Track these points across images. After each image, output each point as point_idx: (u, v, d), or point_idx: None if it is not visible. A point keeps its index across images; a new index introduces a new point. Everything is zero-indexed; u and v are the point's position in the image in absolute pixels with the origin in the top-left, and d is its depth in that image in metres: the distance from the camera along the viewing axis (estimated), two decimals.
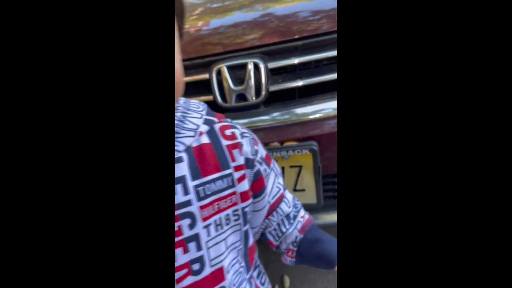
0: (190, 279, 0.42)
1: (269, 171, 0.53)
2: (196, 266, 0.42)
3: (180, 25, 0.46)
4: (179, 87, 0.41)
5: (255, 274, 0.54)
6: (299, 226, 0.56)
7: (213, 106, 0.86)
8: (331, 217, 0.90)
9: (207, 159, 0.43)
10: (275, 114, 0.85)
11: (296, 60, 0.83)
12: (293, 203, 0.58)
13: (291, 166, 0.84)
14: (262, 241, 0.59)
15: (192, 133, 0.43)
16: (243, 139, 0.48)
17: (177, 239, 0.41)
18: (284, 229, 0.56)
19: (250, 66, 0.81)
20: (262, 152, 0.53)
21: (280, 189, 0.56)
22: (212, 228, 0.43)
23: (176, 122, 0.43)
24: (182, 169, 0.41)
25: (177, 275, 0.41)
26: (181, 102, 0.47)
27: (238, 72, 0.83)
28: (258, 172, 0.50)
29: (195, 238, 0.42)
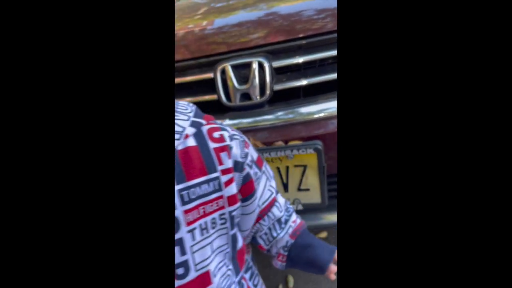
0: (175, 283, 0.42)
1: (260, 174, 0.52)
2: (180, 271, 0.42)
3: None
4: None
5: (247, 276, 0.53)
6: (290, 231, 0.56)
7: (217, 105, 0.86)
8: (335, 217, 0.90)
9: (192, 163, 0.42)
10: (279, 113, 0.84)
11: (300, 59, 0.82)
12: (285, 207, 0.57)
13: (296, 166, 0.83)
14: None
15: (177, 136, 0.42)
16: (233, 141, 0.47)
17: None
18: (275, 234, 0.55)
19: (255, 65, 0.81)
20: (253, 154, 0.52)
21: (272, 193, 0.55)
22: (197, 232, 0.43)
23: None
24: None
25: None
26: None
27: (243, 71, 0.83)
28: (248, 175, 0.49)
29: (179, 242, 0.41)
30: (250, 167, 0.49)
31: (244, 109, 0.85)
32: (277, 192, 0.57)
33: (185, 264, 0.42)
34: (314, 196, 0.86)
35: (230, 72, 0.82)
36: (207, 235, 0.44)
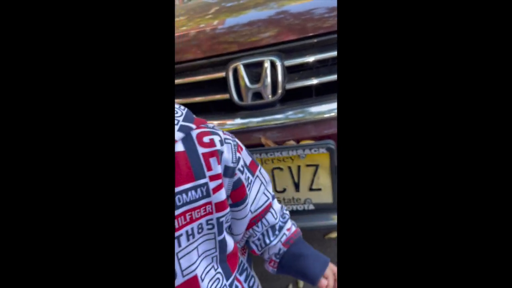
0: None
1: (253, 179, 0.51)
2: None
3: None
4: None
5: (242, 277, 0.53)
6: (283, 239, 0.55)
7: (229, 104, 0.86)
8: None
9: (179, 168, 0.41)
10: (290, 112, 0.84)
11: (312, 58, 0.82)
12: (280, 213, 0.56)
13: (307, 165, 0.83)
14: None
15: None
16: (224, 146, 0.45)
17: None
18: (268, 241, 0.54)
19: (267, 64, 0.81)
20: (246, 159, 0.50)
21: (268, 199, 0.54)
22: (183, 238, 0.42)
23: None
24: None
25: None
26: None
27: (255, 70, 0.83)
28: (239, 180, 0.48)
29: None
30: (242, 172, 0.48)
31: (256, 108, 0.85)
32: (273, 198, 0.56)
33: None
34: (325, 196, 0.85)
35: (242, 71, 0.82)
36: (193, 241, 0.43)
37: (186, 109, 0.46)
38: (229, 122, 0.87)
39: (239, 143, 0.50)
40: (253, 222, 0.53)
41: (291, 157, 0.82)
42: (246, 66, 0.82)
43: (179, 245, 0.42)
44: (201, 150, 0.43)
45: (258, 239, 0.55)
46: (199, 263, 0.45)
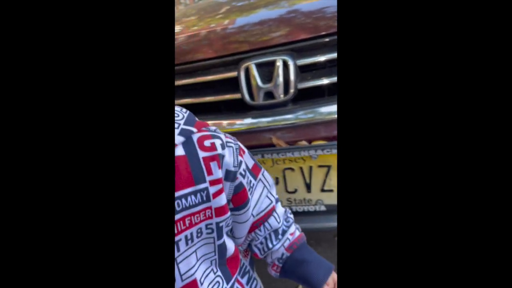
0: None
1: (255, 182, 0.50)
2: None
3: None
4: None
5: (244, 280, 0.52)
6: (286, 244, 0.54)
7: (240, 104, 0.85)
8: None
9: (179, 173, 0.40)
10: (300, 113, 0.83)
11: (324, 57, 0.81)
12: (284, 217, 0.55)
13: (319, 166, 0.82)
14: None
15: None
16: (225, 149, 0.45)
17: None
18: (270, 245, 0.53)
19: (279, 63, 0.80)
20: (249, 162, 0.50)
21: (271, 202, 0.53)
22: (182, 243, 0.41)
23: None
24: None
25: None
26: None
27: (266, 70, 0.82)
28: (240, 184, 0.47)
29: None
30: (244, 176, 0.47)
31: (267, 108, 0.84)
32: (277, 201, 0.55)
33: None
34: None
35: (254, 71, 0.81)
36: (192, 245, 0.43)
37: (187, 111, 0.46)
38: (238, 122, 0.86)
39: (242, 146, 0.49)
40: (255, 226, 0.52)
41: (302, 158, 0.81)
42: (258, 66, 0.82)
43: (178, 250, 0.41)
44: (201, 154, 0.43)
45: (261, 243, 0.54)
46: (198, 267, 0.44)
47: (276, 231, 0.54)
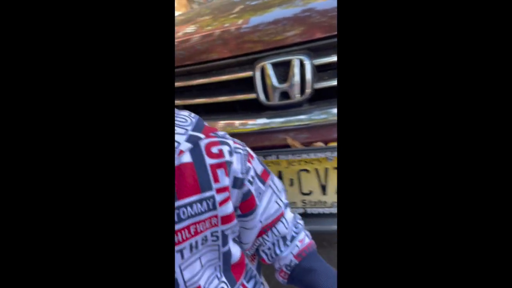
0: None
1: (264, 189, 0.49)
2: None
3: None
4: None
5: (250, 285, 0.51)
6: (295, 251, 0.53)
7: (255, 104, 0.84)
8: None
9: (185, 180, 0.39)
10: (316, 113, 0.81)
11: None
12: (293, 222, 0.54)
13: (335, 168, 0.80)
14: None
15: None
16: (233, 156, 0.44)
17: None
18: (278, 251, 0.52)
19: (295, 63, 0.79)
20: (258, 168, 0.49)
21: (279, 208, 0.52)
22: (186, 251, 0.41)
23: None
24: None
25: None
26: None
27: (282, 70, 0.81)
28: (249, 192, 0.46)
29: None
30: (251, 182, 0.46)
31: (283, 108, 0.83)
32: (286, 206, 0.54)
33: (175, 283, 0.41)
34: None
35: (269, 70, 0.80)
36: (196, 252, 0.42)
37: (197, 117, 0.45)
38: (251, 122, 0.85)
39: (250, 152, 0.48)
40: (263, 231, 0.51)
41: (318, 159, 0.80)
42: (274, 65, 0.81)
43: (182, 257, 0.41)
44: (209, 161, 0.42)
45: (269, 249, 0.53)
46: (203, 273, 0.44)
47: (284, 237, 0.53)
